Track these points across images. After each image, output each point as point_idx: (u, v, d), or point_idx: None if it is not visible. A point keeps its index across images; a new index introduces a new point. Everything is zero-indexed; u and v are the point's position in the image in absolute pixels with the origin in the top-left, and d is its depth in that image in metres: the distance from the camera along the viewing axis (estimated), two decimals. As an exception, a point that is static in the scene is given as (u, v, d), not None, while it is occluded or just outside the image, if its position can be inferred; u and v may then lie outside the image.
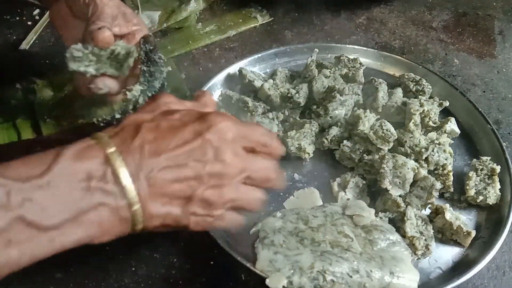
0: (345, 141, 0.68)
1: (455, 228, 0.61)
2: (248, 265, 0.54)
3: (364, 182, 0.66)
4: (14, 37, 0.89)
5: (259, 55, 0.83)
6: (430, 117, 0.72)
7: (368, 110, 0.71)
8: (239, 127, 0.44)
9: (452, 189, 0.66)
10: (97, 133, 0.41)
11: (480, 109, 0.76)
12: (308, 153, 0.68)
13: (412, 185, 0.64)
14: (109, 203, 0.38)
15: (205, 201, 0.42)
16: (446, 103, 0.75)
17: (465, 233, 0.60)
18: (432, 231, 0.61)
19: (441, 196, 0.67)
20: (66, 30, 0.63)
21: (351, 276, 0.52)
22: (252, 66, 0.82)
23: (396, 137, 0.67)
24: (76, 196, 0.37)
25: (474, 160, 0.69)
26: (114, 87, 0.59)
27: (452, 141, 0.71)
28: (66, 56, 0.55)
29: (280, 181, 0.48)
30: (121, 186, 0.38)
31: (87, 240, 0.39)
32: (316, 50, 0.81)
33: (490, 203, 0.65)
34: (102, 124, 0.65)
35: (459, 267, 0.59)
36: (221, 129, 0.42)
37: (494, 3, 1.09)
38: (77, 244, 0.38)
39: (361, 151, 0.67)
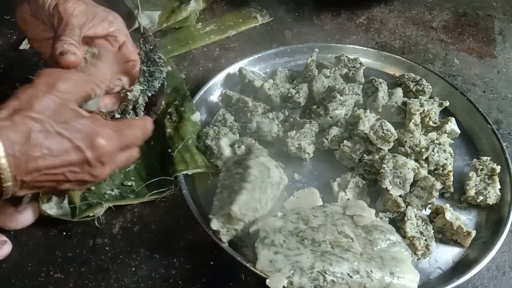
0: (345, 141, 0.68)
1: (455, 228, 0.60)
2: (248, 265, 0.54)
3: (364, 182, 0.66)
4: (14, 37, 0.89)
5: (259, 55, 0.83)
6: (430, 117, 0.72)
7: (368, 110, 0.71)
8: (118, 142, 0.48)
9: (452, 189, 0.66)
10: None
11: (480, 109, 0.76)
12: (308, 153, 0.68)
13: (412, 185, 0.64)
14: None
15: (66, 189, 0.48)
16: (446, 103, 0.75)
17: (465, 233, 0.60)
18: (432, 231, 0.61)
19: (441, 196, 0.67)
20: (31, 32, 0.61)
21: (351, 277, 0.52)
22: (252, 66, 0.82)
23: (396, 137, 0.67)
24: None
25: (474, 160, 0.69)
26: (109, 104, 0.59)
27: (452, 141, 0.71)
28: None
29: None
30: None
31: None
32: (316, 50, 0.81)
33: (490, 203, 0.65)
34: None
35: (459, 267, 0.59)
36: (104, 152, 0.46)
37: (494, 3, 1.09)
38: None
39: (361, 151, 0.67)
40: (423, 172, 0.64)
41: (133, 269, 0.58)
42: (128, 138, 0.50)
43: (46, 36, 0.58)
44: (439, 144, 0.67)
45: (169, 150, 0.67)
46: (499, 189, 0.65)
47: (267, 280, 0.51)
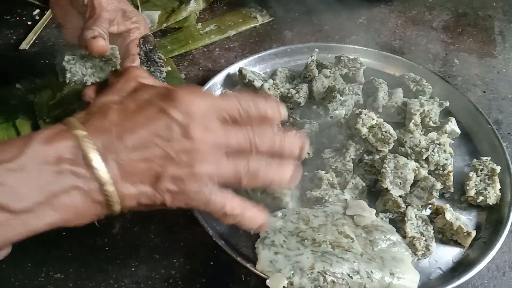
0: (344, 142, 0.68)
1: (455, 228, 0.60)
2: (248, 265, 0.54)
3: (364, 184, 0.65)
4: (14, 37, 0.89)
5: (259, 55, 0.83)
6: (430, 117, 0.72)
7: (368, 110, 0.71)
8: (210, 100, 0.42)
9: (452, 190, 0.66)
10: (68, 118, 0.41)
11: (480, 109, 0.76)
12: (308, 154, 0.68)
13: (412, 185, 0.64)
14: (81, 186, 0.38)
15: (175, 178, 0.41)
16: (447, 103, 0.75)
17: (465, 234, 0.60)
18: (432, 231, 0.61)
19: (442, 196, 0.67)
20: (63, 19, 0.62)
21: (351, 277, 0.52)
22: (252, 66, 0.82)
23: (396, 138, 0.67)
24: (48, 179, 0.37)
25: (474, 160, 0.69)
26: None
27: (453, 141, 0.71)
28: (64, 70, 0.54)
29: (297, 147, 0.45)
30: (92, 169, 0.38)
31: (61, 223, 0.39)
32: (316, 50, 0.81)
33: (490, 203, 0.65)
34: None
35: (459, 267, 0.59)
36: (187, 105, 0.40)
37: (494, 3, 1.09)
38: (51, 227, 0.39)
39: (361, 151, 0.67)
40: (423, 172, 0.64)
41: (133, 269, 0.58)
42: (224, 102, 0.44)
43: (77, 25, 0.58)
44: (439, 144, 0.67)
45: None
46: (499, 189, 0.65)
47: (267, 281, 0.51)
